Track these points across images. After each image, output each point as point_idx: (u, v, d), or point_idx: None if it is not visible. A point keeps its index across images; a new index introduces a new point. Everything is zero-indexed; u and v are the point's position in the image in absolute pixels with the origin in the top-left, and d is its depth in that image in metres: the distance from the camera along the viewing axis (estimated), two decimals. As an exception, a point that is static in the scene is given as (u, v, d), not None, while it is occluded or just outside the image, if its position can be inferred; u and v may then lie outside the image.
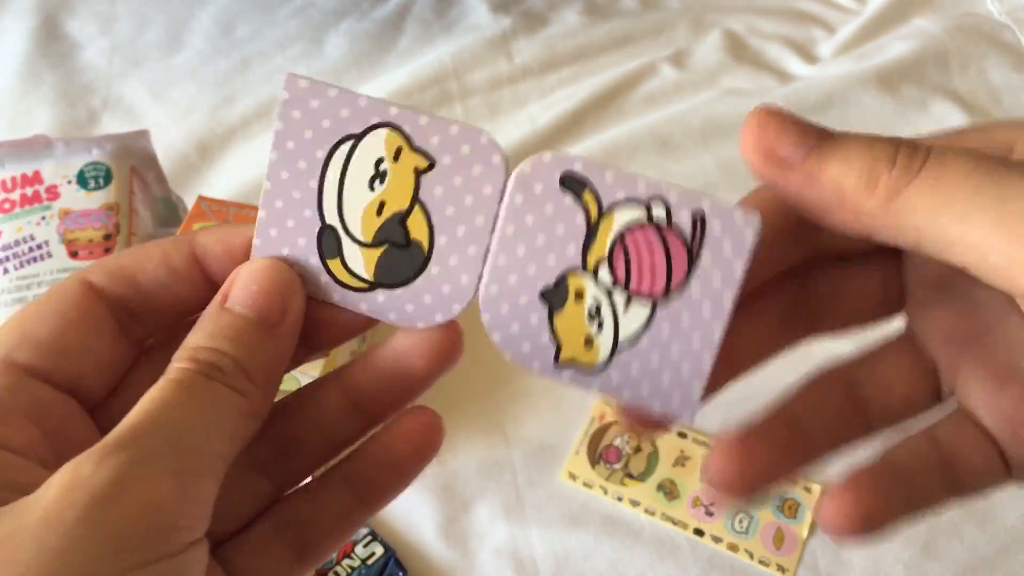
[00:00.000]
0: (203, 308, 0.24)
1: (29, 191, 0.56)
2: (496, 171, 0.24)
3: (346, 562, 0.47)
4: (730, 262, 0.23)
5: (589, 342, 0.24)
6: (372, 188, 0.24)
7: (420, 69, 0.75)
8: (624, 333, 0.24)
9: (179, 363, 0.22)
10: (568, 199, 0.24)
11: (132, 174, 0.58)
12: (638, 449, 0.52)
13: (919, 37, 0.77)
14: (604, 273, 0.24)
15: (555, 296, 0.24)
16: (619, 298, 0.24)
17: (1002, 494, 0.50)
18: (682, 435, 0.52)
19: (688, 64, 0.77)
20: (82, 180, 0.56)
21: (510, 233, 0.24)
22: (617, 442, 0.52)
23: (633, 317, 0.24)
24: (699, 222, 0.23)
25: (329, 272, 0.25)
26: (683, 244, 0.23)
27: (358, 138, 0.24)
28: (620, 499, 0.50)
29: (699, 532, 0.49)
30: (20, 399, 0.22)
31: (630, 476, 0.51)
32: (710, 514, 0.49)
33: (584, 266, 0.24)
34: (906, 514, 0.24)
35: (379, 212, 0.25)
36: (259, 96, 0.72)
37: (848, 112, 0.72)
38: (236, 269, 0.24)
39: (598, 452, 0.52)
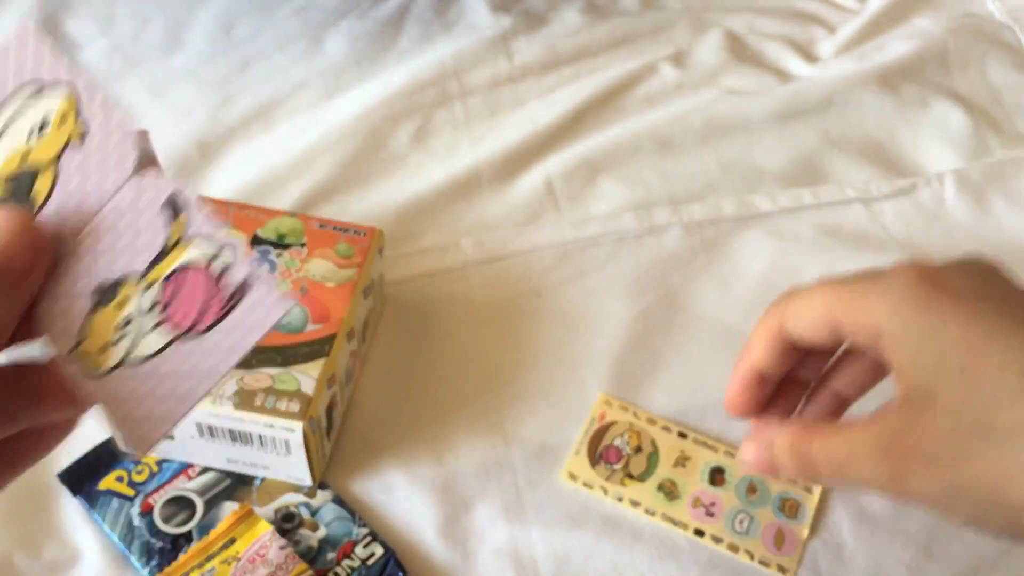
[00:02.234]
0: None
1: (29, 191, 0.56)
2: (123, 170, 0.25)
3: (346, 563, 0.47)
4: (249, 330, 0.24)
5: (105, 348, 0.25)
6: (28, 138, 0.26)
7: (420, 69, 0.75)
8: (134, 352, 0.25)
9: None
10: (162, 219, 0.25)
11: (132, 174, 0.58)
12: (638, 449, 0.52)
13: (919, 37, 0.77)
14: (153, 293, 0.25)
15: (105, 295, 0.25)
16: (148, 320, 0.25)
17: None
18: (682, 435, 0.52)
19: (688, 64, 0.77)
20: (82, 180, 0.56)
21: (103, 225, 0.25)
22: (617, 442, 0.52)
23: (150, 342, 0.25)
24: (245, 284, 0.24)
25: None
26: (223, 298, 0.25)
27: (42, 88, 0.26)
28: (620, 499, 0.50)
29: (699, 532, 0.49)
30: None
31: (630, 476, 0.51)
32: (710, 514, 0.49)
33: (143, 278, 0.25)
34: None
35: (22, 160, 0.26)
36: (259, 96, 0.72)
37: (848, 112, 0.72)
38: None
39: (598, 452, 0.52)
